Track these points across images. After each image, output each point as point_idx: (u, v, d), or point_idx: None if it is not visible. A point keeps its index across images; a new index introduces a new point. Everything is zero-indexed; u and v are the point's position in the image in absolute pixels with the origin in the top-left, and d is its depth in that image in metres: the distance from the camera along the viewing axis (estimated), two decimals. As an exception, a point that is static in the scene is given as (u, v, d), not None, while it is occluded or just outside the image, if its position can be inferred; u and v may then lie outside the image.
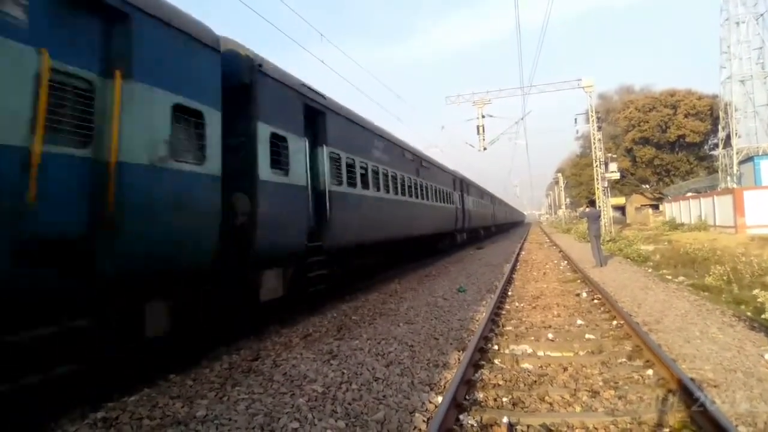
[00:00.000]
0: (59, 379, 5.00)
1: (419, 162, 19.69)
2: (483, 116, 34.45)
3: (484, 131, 34.88)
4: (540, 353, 7.05)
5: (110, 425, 4.83)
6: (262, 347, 7.68)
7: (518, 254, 23.90)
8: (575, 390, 5.44)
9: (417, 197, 18.82)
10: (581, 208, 36.66)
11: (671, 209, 44.24)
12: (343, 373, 6.21)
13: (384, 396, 5.44)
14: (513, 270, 17.23)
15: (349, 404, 5.21)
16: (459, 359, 6.61)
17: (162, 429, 4.70)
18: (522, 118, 37.60)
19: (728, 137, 45.54)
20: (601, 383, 5.64)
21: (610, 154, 36.22)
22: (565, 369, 6.23)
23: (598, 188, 32.28)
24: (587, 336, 7.76)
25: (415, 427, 4.64)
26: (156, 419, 4.95)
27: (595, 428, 4.51)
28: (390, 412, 4.99)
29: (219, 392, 5.66)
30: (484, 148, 35.20)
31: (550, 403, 5.16)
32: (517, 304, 10.91)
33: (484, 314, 9.18)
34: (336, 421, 4.78)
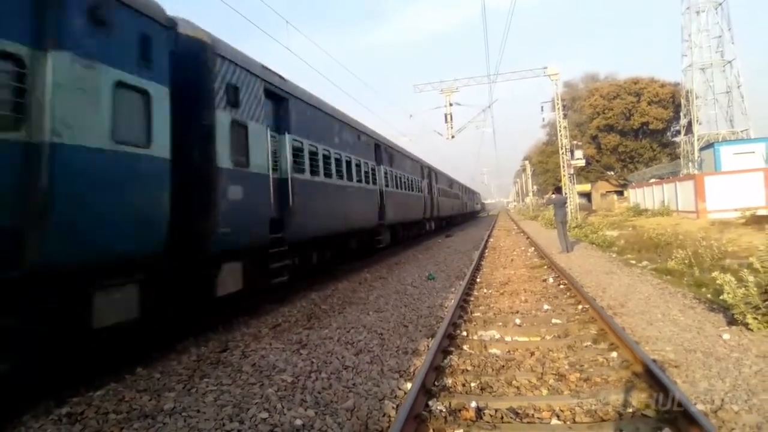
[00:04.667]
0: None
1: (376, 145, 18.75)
2: (451, 104, 34.60)
3: (451, 119, 35.08)
4: (507, 338, 7.14)
5: (75, 420, 4.75)
6: (231, 338, 7.61)
7: (486, 241, 24.13)
8: (542, 374, 5.53)
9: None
10: (547, 195, 37.14)
11: (635, 195, 45.03)
12: (313, 362, 6.21)
13: (354, 384, 5.45)
14: (481, 257, 17.40)
15: (319, 393, 5.21)
16: (428, 346, 6.65)
17: (129, 423, 4.63)
18: (489, 106, 37.85)
19: (690, 124, 46.71)
20: (567, 366, 5.74)
21: (575, 142, 36.67)
22: (532, 353, 6.32)
23: (564, 175, 32.72)
24: (554, 321, 7.89)
25: (384, 414, 4.66)
26: (122, 413, 4.88)
27: (561, 410, 4.59)
28: (359, 399, 5.01)
29: (187, 384, 5.60)
30: (452, 136, 35.38)
31: (518, 387, 5.24)
32: (485, 290, 11.02)
33: (452, 301, 9.25)
34: (305, 410, 4.78)
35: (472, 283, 11.80)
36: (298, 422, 4.51)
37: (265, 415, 4.67)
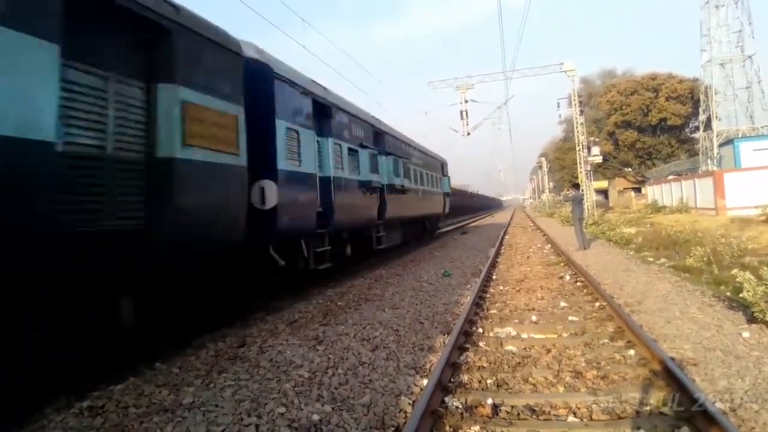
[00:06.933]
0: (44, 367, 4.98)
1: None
2: (466, 101, 34.48)
3: (467, 116, 34.94)
4: (524, 335, 7.12)
5: (96, 414, 4.82)
6: (248, 334, 7.67)
7: (502, 238, 24.03)
8: (558, 371, 5.51)
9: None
10: (564, 192, 36.94)
11: (653, 192, 44.57)
12: (329, 358, 6.24)
13: (370, 380, 5.47)
14: (497, 254, 17.34)
15: (336, 389, 5.24)
16: (444, 342, 6.65)
17: (148, 417, 4.70)
18: (505, 103, 37.70)
19: (709, 120, 45.96)
20: (583, 364, 5.72)
21: (592, 138, 36.53)
22: (549, 350, 6.30)
23: (581, 172, 32.53)
24: (570, 318, 7.86)
25: (400, 410, 4.68)
26: (142, 407, 4.94)
27: (578, 408, 4.58)
28: (376, 395, 5.03)
29: (205, 379, 5.66)
30: (468, 133, 35.27)
31: (534, 384, 5.23)
32: (501, 287, 11.00)
33: (468, 298, 9.24)
34: (322, 405, 4.81)
35: (487, 280, 11.77)
36: (316, 417, 4.54)
37: (282, 409, 4.71)
